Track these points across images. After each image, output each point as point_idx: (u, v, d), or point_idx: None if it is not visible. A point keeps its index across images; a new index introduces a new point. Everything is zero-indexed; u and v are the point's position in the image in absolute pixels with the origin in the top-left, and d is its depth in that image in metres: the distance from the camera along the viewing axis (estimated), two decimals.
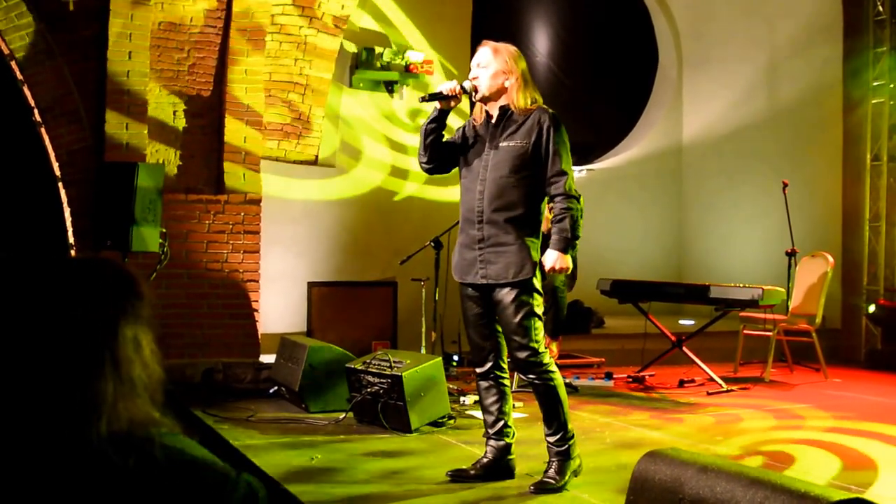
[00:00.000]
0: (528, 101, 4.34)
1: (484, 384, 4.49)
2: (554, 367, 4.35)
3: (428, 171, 4.59)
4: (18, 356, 1.43)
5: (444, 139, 4.52)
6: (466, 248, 4.41)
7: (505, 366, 4.50)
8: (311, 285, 8.38)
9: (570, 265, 4.34)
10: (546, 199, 4.39)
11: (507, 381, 4.53)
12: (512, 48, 4.42)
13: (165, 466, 1.43)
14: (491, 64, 4.37)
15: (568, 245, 4.28)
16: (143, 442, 1.44)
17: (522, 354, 4.28)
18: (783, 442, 5.51)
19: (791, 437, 5.68)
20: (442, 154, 4.50)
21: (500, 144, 4.33)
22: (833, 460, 5.05)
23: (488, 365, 4.46)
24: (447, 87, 4.42)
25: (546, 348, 4.38)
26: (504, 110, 4.37)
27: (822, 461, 5.02)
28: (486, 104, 4.42)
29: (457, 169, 4.57)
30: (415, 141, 8.87)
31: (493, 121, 4.40)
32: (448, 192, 9.04)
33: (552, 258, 4.28)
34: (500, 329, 4.40)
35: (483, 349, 4.45)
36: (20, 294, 1.47)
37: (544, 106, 4.39)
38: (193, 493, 1.45)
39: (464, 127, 4.54)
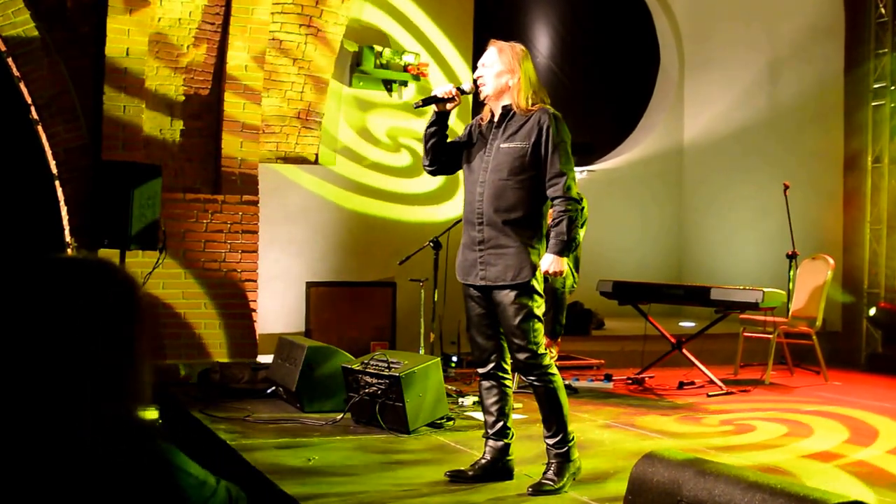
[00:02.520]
0: (531, 102, 4.31)
1: (486, 384, 4.48)
2: (554, 370, 4.33)
3: (431, 172, 4.59)
4: (14, 352, 1.42)
5: (450, 139, 4.51)
6: (468, 248, 4.40)
7: (507, 367, 4.48)
8: (309, 285, 8.36)
9: (565, 268, 4.32)
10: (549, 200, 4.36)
11: (508, 382, 4.51)
12: (519, 48, 4.39)
13: (146, 472, 1.43)
14: (495, 63, 4.34)
15: (564, 248, 4.25)
16: (126, 446, 1.43)
17: (522, 356, 4.26)
18: (783, 443, 5.49)
19: (791, 438, 5.66)
20: (445, 156, 4.49)
21: (501, 146, 4.31)
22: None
23: (490, 366, 4.44)
24: (442, 90, 4.40)
25: (546, 350, 4.35)
26: (506, 110, 4.35)
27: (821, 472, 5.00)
28: (490, 104, 4.40)
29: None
30: (414, 140, 8.85)
31: (496, 121, 4.37)
32: (448, 192, 9.03)
33: (547, 261, 4.26)
34: (501, 330, 4.38)
35: (485, 350, 4.43)
36: (13, 292, 1.46)
37: (547, 106, 4.35)
38: (173, 499, 1.44)
39: (471, 126, 4.52)
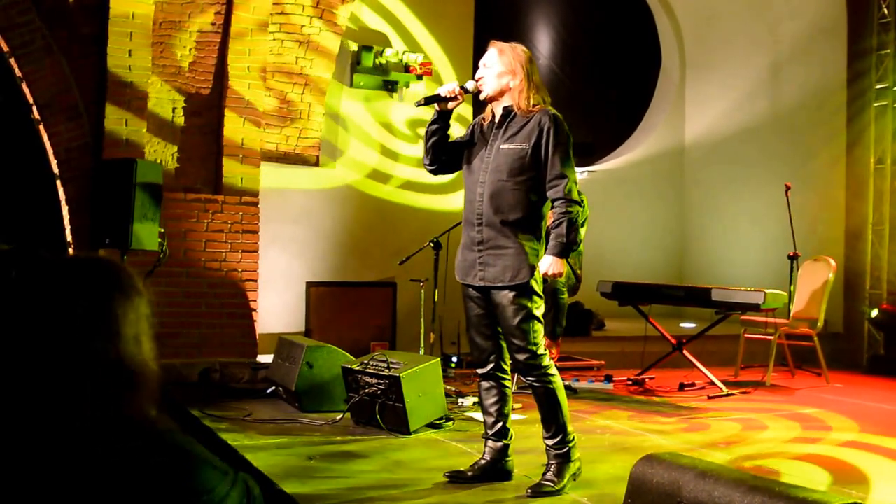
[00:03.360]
0: (532, 103, 4.30)
1: (485, 385, 4.48)
2: (554, 370, 4.33)
3: (431, 171, 4.59)
4: (18, 352, 1.43)
5: (452, 139, 4.51)
6: (467, 249, 4.40)
7: (507, 367, 4.48)
8: (309, 285, 8.35)
9: (564, 270, 4.32)
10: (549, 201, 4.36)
11: (508, 383, 4.51)
12: (520, 49, 4.39)
13: (164, 464, 1.44)
14: (495, 64, 4.35)
15: (564, 250, 4.26)
16: (142, 439, 1.44)
17: (521, 357, 4.26)
18: (782, 446, 5.48)
19: (790, 442, 5.65)
20: (446, 155, 4.49)
21: (501, 146, 4.31)
22: (825, 473, 5.01)
23: (490, 366, 4.44)
24: (445, 89, 4.41)
25: (546, 350, 4.35)
26: (507, 111, 4.35)
27: (819, 471, 4.98)
28: (491, 104, 4.40)
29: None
30: (415, 140, 8.84)
31: (497, 121, 4.37)
32: (448, 192, 9.02)
33: (547, 263, 4.26)
34: (500, 330, 4.37)
35: (484, 350, 4.43)
36: (20, 290, 1.46)
37: (548, 108, 4.34)
38: (192, 491, 1.45)
39: (473, 126, 4.52)
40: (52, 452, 1.40)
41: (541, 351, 4.27)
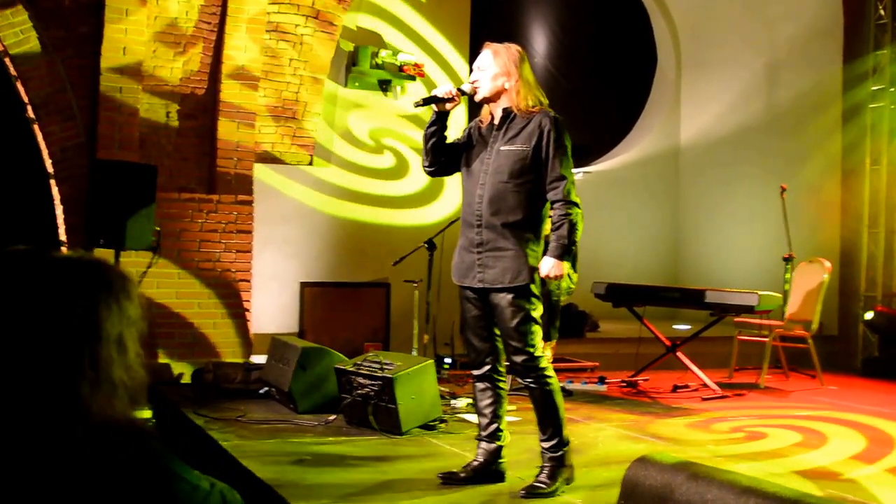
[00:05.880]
0: (531, 104, 4.29)
1: (480, 386, 4.47)
2: (551, 372, 4.32)
3: (430, 173, 4.59)
4: (6, 352, 1.41)
5: (450, 140, 4.50)
6: (465, 251, 4.38)
7: (502, 369, 4.47)
8: (303, 285, 8.33)
9: (565, 272, 4.31)
10: (548, 203, 4.34)
11: (503, 385, 4.50)
12: (514, 50, 4.38)
13: (137, 474, 1.42)
14: (490, 66, 4.33)
15: (564, 252, 4.25)
16: (117, 447, 1.42)
17: (519, 358, 4.25)
18: (778, 445, 5.48)
19: (785, 440, 5.65)
20: (444, 157, 4.47)
21: (501, 148, 4.30)
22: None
23: (486, 367, 4.43)
24: (443, 90, 4.40)
25: (543, 352, 4.34)
26: (507, 113, 4.34)
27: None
28: (489, 106, 4.39)
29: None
30: (411, 140, 8.82)
31: (496, 123, 4.36)
32: (443, 193, 9.00)
33: (548, 265, 4.25)
34: (498, 332, 4.36)
35: (481, 352, 4.42)
36: (8, 290, 1.45)
37: (548, 109, 4.33)
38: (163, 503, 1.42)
39: (470, 128, 4.51)
40: (25, 458, 1.37)
41: (539, 353, 4.26)
